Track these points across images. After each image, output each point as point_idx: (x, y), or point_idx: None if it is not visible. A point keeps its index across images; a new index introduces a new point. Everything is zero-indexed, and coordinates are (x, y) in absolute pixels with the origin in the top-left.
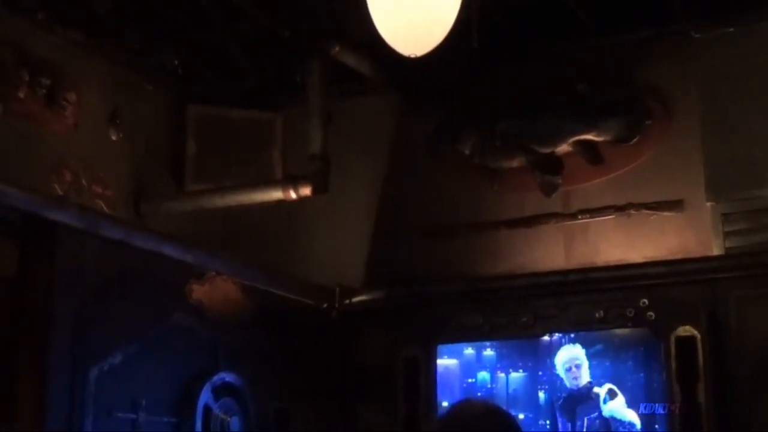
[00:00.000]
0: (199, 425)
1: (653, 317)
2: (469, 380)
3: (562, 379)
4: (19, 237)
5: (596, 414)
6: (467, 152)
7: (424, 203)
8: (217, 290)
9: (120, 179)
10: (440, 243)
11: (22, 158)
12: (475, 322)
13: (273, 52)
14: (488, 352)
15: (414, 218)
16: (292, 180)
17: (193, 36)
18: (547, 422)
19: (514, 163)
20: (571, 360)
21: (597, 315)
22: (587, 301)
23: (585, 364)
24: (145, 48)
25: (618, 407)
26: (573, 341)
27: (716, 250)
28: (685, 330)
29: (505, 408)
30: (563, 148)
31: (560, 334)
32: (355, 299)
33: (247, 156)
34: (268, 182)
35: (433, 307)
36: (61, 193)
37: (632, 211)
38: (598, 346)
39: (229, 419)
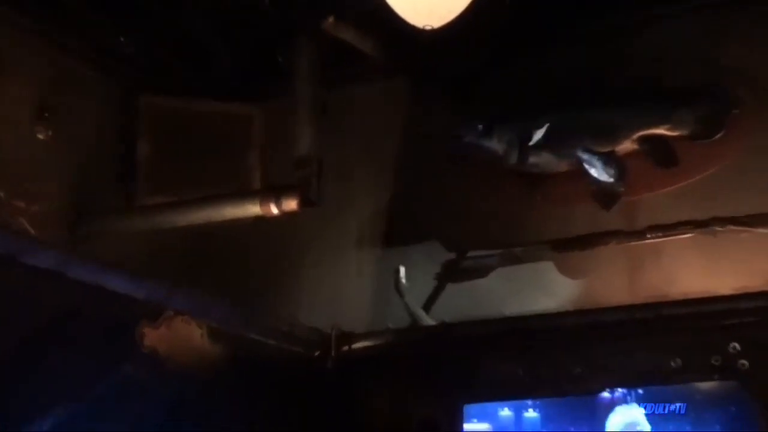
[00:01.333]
0: None
1: (746, 366)
2: None
3: None
4: None
5: None
6: (500, 154)
7: (445, 220)
8: (176, 335)
9: (51, 191)
10: (466, 271)
11: None
12: (512, 374)
13: (249, 27)
14: (530, 414)
15: (432, 239)
16: (274, 191)
17: (147, 8)
18: None
19: (562, 167)
20: (629, 426)
21: (672, 364)
22: (659, 345)
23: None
24: (86, 23)
25: None
26: (640, 399)
27: None
28: None
29: None
30: (625, 146)
31: (623, 390)
32: (357, 345)
33: (216, 160)
34: (244, 194)
35: (458, 354)
36: None
37: (717, 228)
38: (674, 406)
39: None
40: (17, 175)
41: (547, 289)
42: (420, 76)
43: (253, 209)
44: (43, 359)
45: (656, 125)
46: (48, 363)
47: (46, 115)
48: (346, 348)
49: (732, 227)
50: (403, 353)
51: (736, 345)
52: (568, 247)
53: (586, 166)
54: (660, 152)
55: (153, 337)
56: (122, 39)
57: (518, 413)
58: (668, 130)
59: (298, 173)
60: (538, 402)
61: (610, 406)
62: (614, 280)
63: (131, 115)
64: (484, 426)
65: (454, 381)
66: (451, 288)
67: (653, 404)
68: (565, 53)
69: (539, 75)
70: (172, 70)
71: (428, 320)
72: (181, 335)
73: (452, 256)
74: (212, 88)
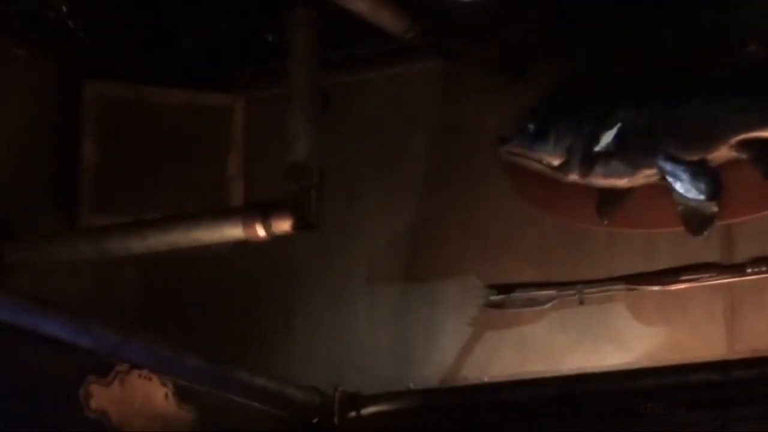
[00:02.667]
0: None
1: None
2: None
3: None
4: None
5: None
6: (557, 163)
7: (484, 249)
8: (133, 395)
9: None
10: (510, 317)
11: None
12: None
13: None
14: None
15: (467, 275)
16: (261, 208)
17: None
18: None
19: (638, 179)
20: None
21: None
22: (766, 415)
23: None
24: None
25: None
26: None
27: None
28: None
29: None
30: (721, 153)
31: None
32: (367, 411)
33: (184, 167)
34: (221, 212)
35: (498, 425)
36: None
37: None
38: None
39: None
40: None
41: (618, 340)
42: (453, 58)
43: (234, 231)
44: None
45: (764, 126)
46: None
47: None
48: (353, 414)
49: None
50: (430, 423)
51: None
52: (646, 284)
53: (670, 180)
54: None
55: (102, 397)
56: (65, 9)
57: None
58: None
59: (291, 185)
60: None
61: None
62: (706, 327)
63: (73, 109)
64: None
65: None
66: (491, 337)
67: None
68: (644, 26)
69: (610, 56)
70: (127, 50)
71: None
72: (140, 395)
73: (493, 296)
74: (179, 74)
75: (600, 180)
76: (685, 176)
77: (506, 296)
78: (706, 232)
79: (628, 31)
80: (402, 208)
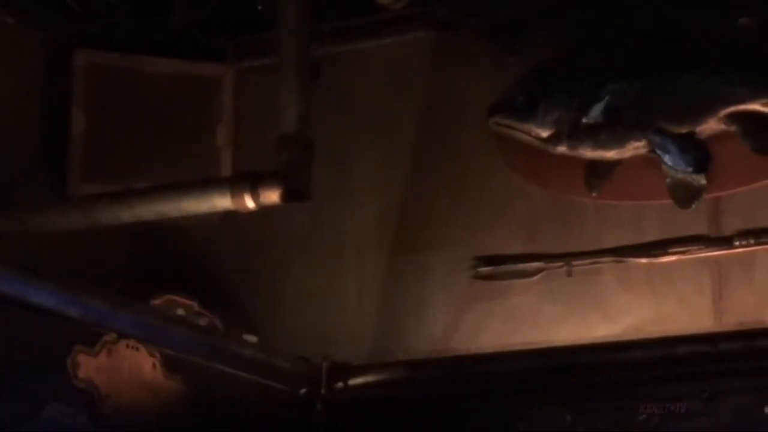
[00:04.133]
0: None
1: None
2: None
3: None
4: None
5: None
6: (545, 136)
7: (473, 221)
8: (120, 365)
9: None
10: (499, 289)
11: None
12: (558, 421)
13: None
14: None
15: (456, 246)
16: (249, 178)
17: None
18: None
19: (627, 152)
20: None
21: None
22: (753, 388)
23: None
24: None
25: None
26: None
27: None
28: None
29: None
30: (710, 126)
31: None
32: (355, 381)
33: (173, 137)
34: (211, 182)
35: (486, 396)
36: None
37: None
38: None
39: None
40: None
41: (606, 312)
42: (444, 29)
43: (223, 202)
44: None
45: (753, 99)
46: None
47: None
48: (340, 384)
49: None
50: (418, 393)
51: None
52: (634, 256)
53: (659, 152)
54: (756, 134)
55: (90, 367)
56: None
57: None
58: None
59: (281, 156)
60: None
61: None
62: (693, 300)
63: (63, 77)
64: None
65: (482, 430)
66: (481, 309)
67: None
68: (633, 3)
69: (601, 29)
70: (118, 20)
71: None
72: (127, 365)
73: (483, 268)
74: (170, 43)
75: (588, 152)
76: (673, 149)
77: (495, 268)
78: (694, 205)
79: (620, 4)
80: (391, 179)
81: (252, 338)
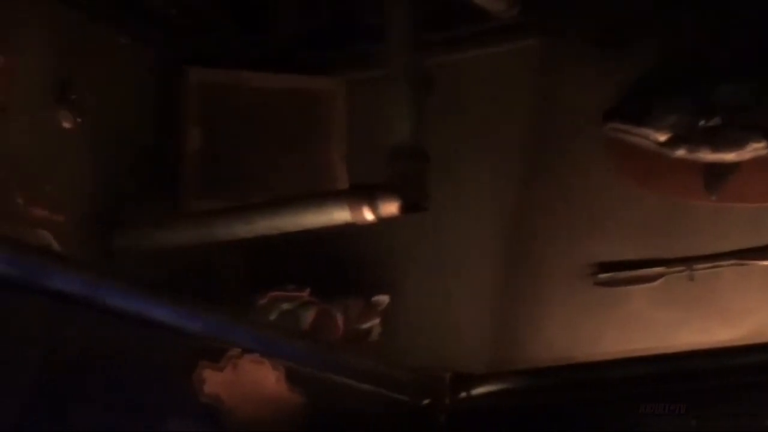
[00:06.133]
0: None
1: None
2: None
3: None
4: None
5: None
6: (663, 140)
7: (589, 228)
8: (245, 379)
9: (79, 195)
10: (618, 295)
11: None
12: (681, 427)
13: None
14: None
15: (571, 253)
16: (367, 191)
17: None
18: None
19: (746, 153)
20: None
21: None
22: None
23: None
24: None
25: None
26: None
27: None
28: None
29: None
30: None
31: None
32: (478, 391)
33: (286, 152)
34: (327, 195)
35: (608, 403)
36: None
37: None
38: None
39: None
40: (38, 176)
41: (727, 316)
42: (551, 36)
43: (341, 215)
44: (73, 414)
45: None
46: (76, 418)
47: (73, 97)
48: (463, 395)
49: None
50: (540, 401)
51: None
52: (756, 259)
53: None
54: None
55: (215, 382)
56: None
57: None
58: None
59: (396, 167)
60: None
61: None
62: None
63: (176, 95)
64: None
65: None
66: (600, 316)
67: None
68: None
69: (710, 26)
70: (227, 36)
71: None
72: (251, 379)
73: (601, 274)
74: (279, 58)
75: (707, 155)
76: None
77: (614, 274)
78: None
79: (731, 4)
80: (503, 188)
81: (384, 299)
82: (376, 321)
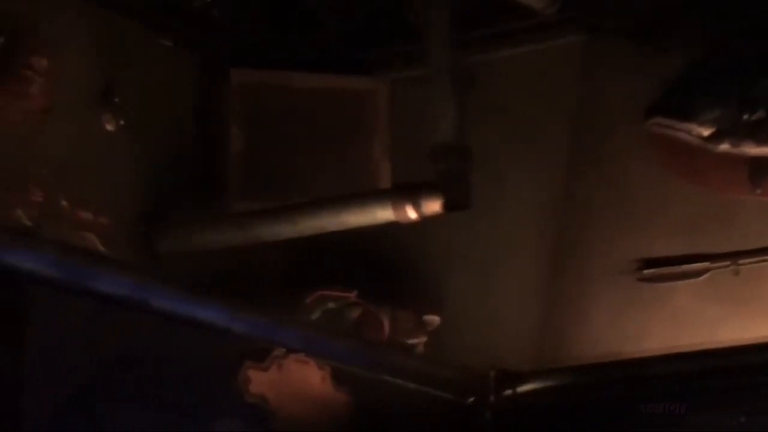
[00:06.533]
0: None
1: None
2: None
3: None
4: None
5: None
6: (706, 135)
7: (632, 224)
8: (290, 379)
9: (122, 197)
10: (663, 290)
11: None
12: (732, 423)
13: None
14: None
15: (615, 250)
16: (409, 190)
17: None
18: None
19: None
20: None
21: None
22: None
23: None
24: None
25: None
26: None
27: None
28: None
29: None
30: None
31: None
32: (524, 388)
33: (328, 151)
34: (370, 194)
35: (655, 399)
36: (26, 223)
37: None
38: None
39: None
40: (82, 179)
41: None
42: (591, 32)
43: (384, 214)
44: (116, 412)
45: None
46: (119, 416)
47: (116, 100)
48: (509, 392)
49: None
50: (586, 398)
51: None
52: None
53: None
54: None
55: (261, 382)
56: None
57: None
58: None
59: (439, 165)
60: None
61: None
62: None
63: (218, 96)
64: None
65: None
66: (644, 312)
67: None
68: None
69: (749, 19)
70: (268, 37)
71: None
72: (297, 379)
73: (646, 270)
74: (321, 58)
75: (751, 149)
76: None
77: (658, 270)
78: None
79: None
80: (547, 185)
81: (435, 319)
82: (423, 339)
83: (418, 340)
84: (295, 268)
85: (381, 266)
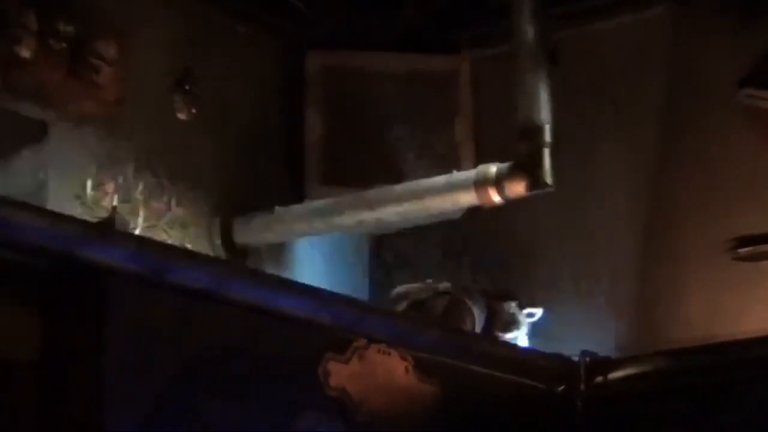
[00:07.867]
0: None
1: None
2: None
3: None
4: (42, 295)
5: None
6: None
7: (727, 201)
8: (373, 370)
9: (199, 188)
10: (761, 269)
11: (31, 161)
12: None
13: None
14: None
15: (710, 228)
16: (492, 172)
17: None
18: None
19: None
20: None
21: None
22: None
23: None
24: None
25: None
26: None
27: None
28: None
29: None
30: None
31: None
32: (615, 375)
33: (410, 134)
34: (452, 178)
35: (755, 382)
36: (103, 217)
37: None
38: None
39: None
40: (156, 170)
41: None
42: (681, 3)
43: (467, 197)
44: (201, 408)
45: None
46: (206, 413)
47: (188, 87)
48: (600, 379)
49: None
50: (681, 383)
51: None
52: None
53: None
54: None
55: (341, 374)
56: None
57: None
58: None
59: (522, 146)
60: None
61: None
62: None
63: (297, 82)
64: None
65: (754, 416)
66: (741, 292)
67: None
68: None
69: None
70: (347, 20)
71: None
72: (380, 371)
73: (742, 249)
74: (401, 40)
75: None
76: None
77: (755, 248)
78: None
79: None
80: (637, 163)
81: (538, 312)
82: (523, 332)
83: (516, 334)
84: (380, 257)
85: (468, 252)
